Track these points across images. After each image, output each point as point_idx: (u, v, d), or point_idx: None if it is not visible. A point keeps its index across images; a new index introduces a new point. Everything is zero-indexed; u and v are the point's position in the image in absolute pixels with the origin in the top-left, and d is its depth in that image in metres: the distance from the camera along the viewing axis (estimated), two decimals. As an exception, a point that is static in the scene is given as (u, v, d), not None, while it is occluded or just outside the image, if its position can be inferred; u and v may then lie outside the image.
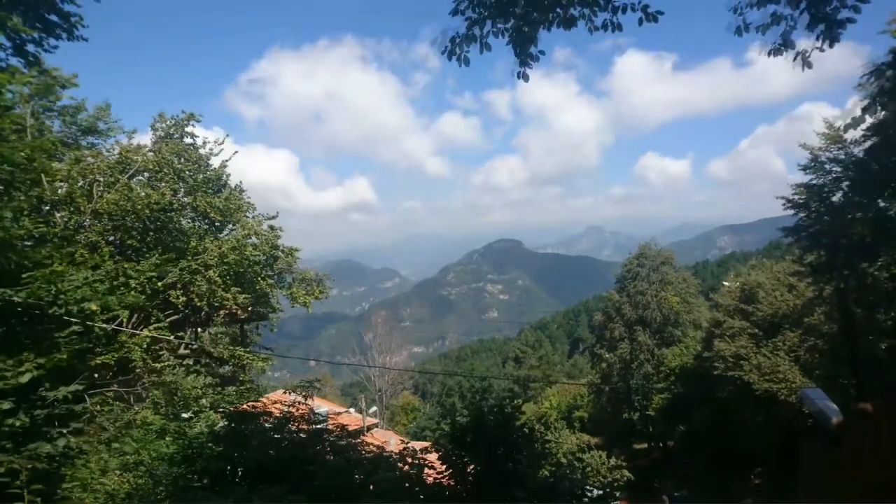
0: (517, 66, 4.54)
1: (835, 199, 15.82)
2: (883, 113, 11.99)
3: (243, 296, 12.36)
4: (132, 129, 13.31)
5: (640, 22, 4.45)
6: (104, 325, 7.48)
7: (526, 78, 4.58)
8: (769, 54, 4.64)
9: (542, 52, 4.51)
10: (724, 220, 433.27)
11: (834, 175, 15.86)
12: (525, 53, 4.48)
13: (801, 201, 16.84)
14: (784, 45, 4.54)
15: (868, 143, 13.71)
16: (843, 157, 15.63)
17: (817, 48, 4.47)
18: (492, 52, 4.44)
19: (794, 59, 4.61)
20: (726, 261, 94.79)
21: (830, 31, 4.32)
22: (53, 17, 7.68)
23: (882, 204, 14.50)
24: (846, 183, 14.91)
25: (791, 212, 17.19)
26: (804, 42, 4.55)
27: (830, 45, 4.44)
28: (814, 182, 16.54)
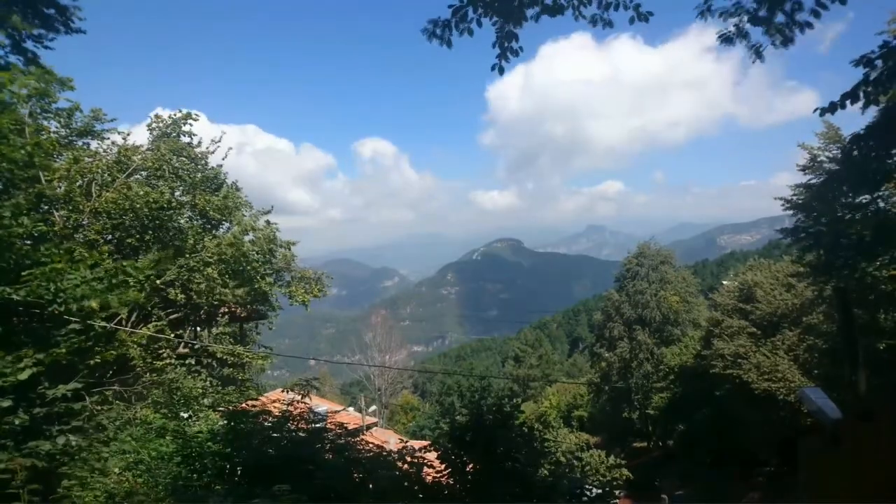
0: (497, 59, 4.54)
1: (833, 198, 15.81)
2: (872, 107, 11.97)
3: (242, 290, 12.30)
4: (127, 132, 13.24)
5: (632, 20, 4.43)
6: (104, 324, 7.48)
7: (501, 71, 4.57)
8: (719, 41, 4.69)
9: (521, 48, 4.52)
10: (723, 219, 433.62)
11: (833, 174, 15.86)
12: (506, 47, 4.48)
13: (799, 201, 16.84)
14: (738, 33, 4.59)
15: (864, 140, 13.73)
16: (841, 156, 15.64)
17: (772, 44, 4.55)
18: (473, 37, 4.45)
19: (750, 49, 4.66)
20: (726, 260, 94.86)
21: (786, 29, 4.41)
22: (51, 11, 7.65)
23: (881, 203, 14.50)
24: (845, 186, 14.92)
25: (790, 211, 17.19)
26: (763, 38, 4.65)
27: (784, 45, 4.50)
28: (813, 182, 16.54)
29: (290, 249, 14.27)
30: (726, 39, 4.70)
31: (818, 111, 5.88)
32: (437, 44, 4.35)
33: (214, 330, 14.81)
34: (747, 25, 4.56)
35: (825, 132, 16.57)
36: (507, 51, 4.51)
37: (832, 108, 5.76)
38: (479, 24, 4.35)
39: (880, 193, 14.44)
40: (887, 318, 15.46)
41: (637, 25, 4.52)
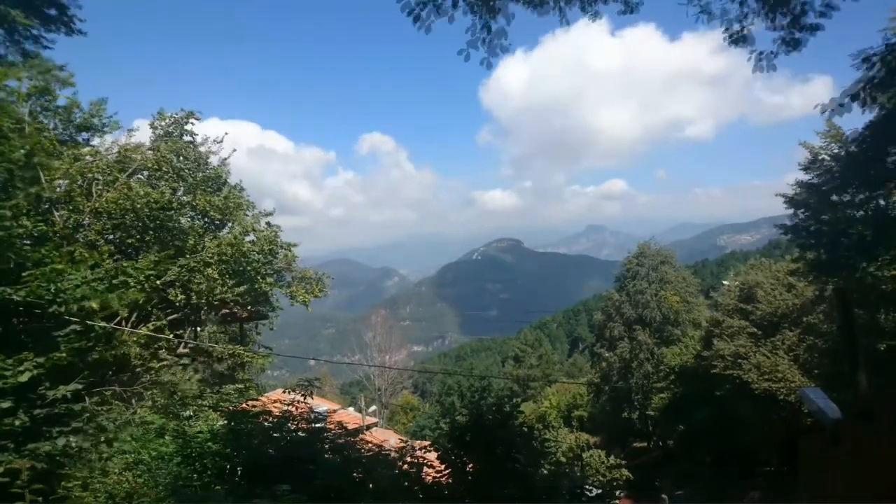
0: (484, 53, 4.52)
1: (834, 197, 15.80)
2: (874, 107, 11.98)
3: (241, 287, 12.28)
4: (132, 127, 13.26)
5: (622, 12, 4.42)
6: (103, 324, 7.47)
7: (489, 66, 4.57)
8: (729, 43, 4.67)
9: (510, 45, 4.52)
10: (724, 219, 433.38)
11: (834, 173, 15.85)
12: (493, 43, 4.47)
13: (800, 200, 16.82)
14: (742, 33, 4.57)
15: (865, 139, 13.74)
16: (842, 154, 15.62)
17: (774, 51, 4.54)
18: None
19: (751, 56, 4.65)
20: (726, 260, 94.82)
21: (792, 30, 4.36)
22: (52, 12, 7.64)
23: (881, 203, 14.49)
24: (844, 182, 14.91)
25: (791, 210, 17.16)
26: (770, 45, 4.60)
27: (794, 49, 4.50)
28: (814, 180, 16.53)
29: (290, 251, 14.27)
30: (734, 41, 4.67)
31: (819, 107, 5.89)
32: (413, 23, 4.25)
33: (212, 328, 14.79)
34: (753, 28, 4.55)
35: (827, 131, 16.56)
36: (497, 47, 4.49)
37: (834, 105, 5.77)
38: (464, 13, 4.31)
39: (881, 193, 14.43)
40: (888, 318, 15.46)
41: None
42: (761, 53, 4.59)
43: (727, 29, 4.57)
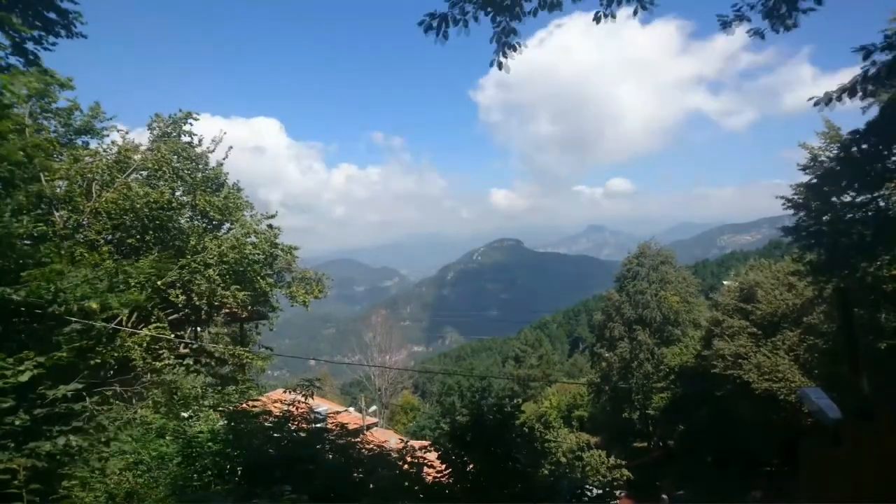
0: (495, 55, 4.54)
1: (834, 198, 15.79)
2: (873, 103, 11.98)
3: (243, 293, 12.34)
4: (126, 130, 13.24)
5: (636, 12, 4.40)
6: (104, 324, 7.48)
7: (500, 66, 4.55)
8: (722, 27, 4.74)
9: (520, 44, 4.51)
10: (724, 219, 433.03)
11: (833, 173, 15.84)
12: (503, 42, 4.47)
13: (800, 201, 16.82)
14: (738, 18, 4.65)
15: (864, 138, 13.74)
16: (842, 154, 15.62)
17: (771, 27, 4.62)
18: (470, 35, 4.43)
19: (748, 32, 4.73)
20: (726, 260, 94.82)
21: (787, 11, 4.42)
22: (52, 15, 7.63)
23: (881, 203, 14.49)
24: (844, 182, 14.91)
25: (791, 211, 17.16)
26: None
27: (786, 28, 4.56)
28: (814, 181, 16.52)
29: (291, 254, 14.31)
30: (725, 24, 4.73)
31: (813, 100, 5.90)
32: (433, 37, 4.32)
33: (213, 329, 14.83)
34: (749, 11, 4.59)
35: (826, 132, 16.55)
36: (506, 46, 4.50)
37: (827, 99, 5.78)
38: (476, 19, 4.34)
39: (881, 193, 14.43)
40: (888, 318, 15.46)
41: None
42: (759, 29, 4.69)
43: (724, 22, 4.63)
